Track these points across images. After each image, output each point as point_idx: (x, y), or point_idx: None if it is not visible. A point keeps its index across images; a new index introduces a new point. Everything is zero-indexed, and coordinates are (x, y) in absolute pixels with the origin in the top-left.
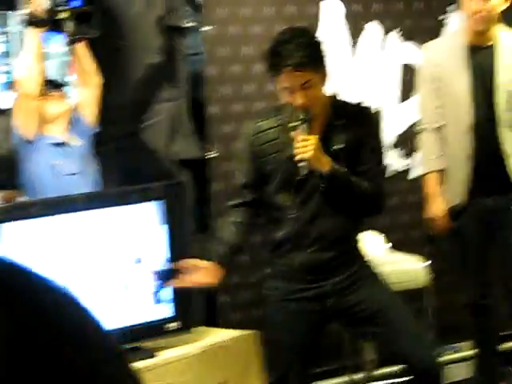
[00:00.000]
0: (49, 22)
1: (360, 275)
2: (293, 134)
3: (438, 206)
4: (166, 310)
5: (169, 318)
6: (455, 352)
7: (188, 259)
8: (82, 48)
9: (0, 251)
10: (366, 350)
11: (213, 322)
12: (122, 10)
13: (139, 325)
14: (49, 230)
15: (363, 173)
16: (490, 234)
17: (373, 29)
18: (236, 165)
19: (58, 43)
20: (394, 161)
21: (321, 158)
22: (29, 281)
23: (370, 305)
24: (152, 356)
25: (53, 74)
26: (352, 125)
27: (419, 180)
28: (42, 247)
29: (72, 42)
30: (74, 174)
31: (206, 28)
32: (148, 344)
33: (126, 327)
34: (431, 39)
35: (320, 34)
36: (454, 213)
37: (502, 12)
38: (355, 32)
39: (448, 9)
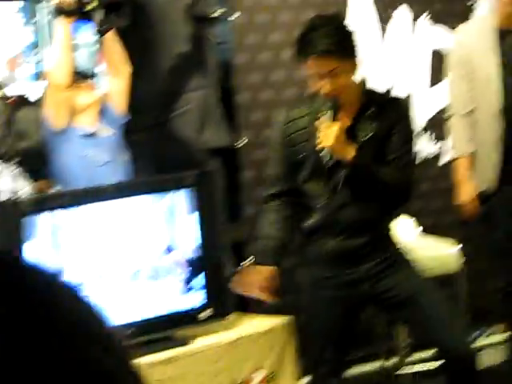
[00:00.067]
0: (78, 12)
1: (392, 261)
2: (317, 122)
3: (467, 190)
4: (199, 298)
5: (201, 306)
6: (488, 337)
7: (249, 267)
8: (111, 38)
9: (35, 242)
10: (398, 335)
11: (246, 308)
12: (151, 0)
13: (171, 313)
14: (80, 220)
15: (393, 162)
16: None
17: (402, 14)
18: (270, 153)
19: (87, 33)
20: (424, 146)
21: (343, 146)
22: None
23: (403, 290)
24: (185, 344)
25: (82, 65)
26: (382, 114)
27: (450, 166)
28: (75, 237)
29: (101, 32)
30: (104, 163)
31: (234, 16)
32: (181, 332)
33: (159, 316)
34: (460, 23)
35: (349, 20)
36: (484, 198)
37: None
38: (384, 17)
39: None
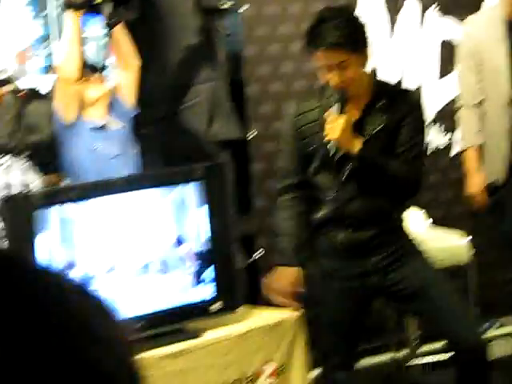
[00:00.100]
0: (87, 6)
1: (403, 253)
2: (325, 114)
3: (476, 181)
4: (209, 291)
5: (211, 299)
6: (497, 328)
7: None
8: (120, 31)
9: (46, 235)
10: (409, 327)
11: (256, 301)
12: None
13: (181, 306)
14: (90, 213)
15: (402, 154)
16: None
17: (411, 5)
18: (281, 146)
19: (96, 26)
20: (433, 137)
21: (350, 139)
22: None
23: (413, 282)
24: (196, 337)
25: (91, 58)
26: (393, 106)
27: (460, 157)
28: (85, 230)
29: (110, 25)
30: (114, 156)
31: (244, 8)
32: (191, 325)
33: (168, 309)
34: (469, 14)
35: (359, 12)
36: (493, 189)
37: None
38: (394, 8)
39: None
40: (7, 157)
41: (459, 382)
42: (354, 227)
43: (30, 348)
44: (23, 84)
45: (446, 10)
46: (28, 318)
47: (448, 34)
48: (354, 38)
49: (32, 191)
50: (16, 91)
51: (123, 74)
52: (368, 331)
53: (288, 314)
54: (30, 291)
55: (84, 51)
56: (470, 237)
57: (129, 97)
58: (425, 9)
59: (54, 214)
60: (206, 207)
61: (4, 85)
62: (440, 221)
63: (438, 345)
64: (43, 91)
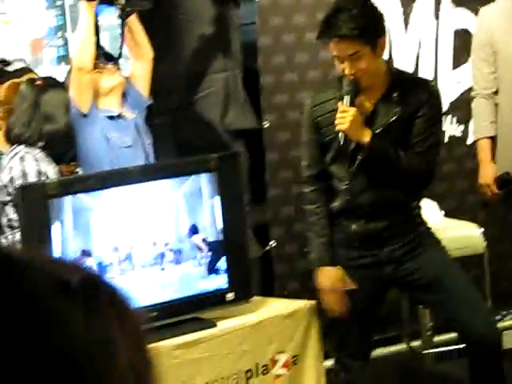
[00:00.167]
0: None
1: (419, 242)
2: (338, 105)
3: (488, 173)
4: (221, 281)
5: (224, 289)
6: (511, 319)
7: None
8: (134, 21)
9: (60, 225)
10: (423, 317)
11: (270, 291)
12: None
13: (195, 296)
14: (104, 203)
15: (416, 144)
16: None
17: None
18: (301, 137)
19: (110, 16)
20: (448, 127)
21: (359, 130)
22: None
23: (428, 272)
24: (210, 326)
25: (106, 47)
26: (408, 96)
27: (474, 147)
28: (99, 220)
29: (124, 15)
30: (128, 146)
31: None
32: (205, 315)
33: (182, 298)
34: (483, 4)
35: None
36: (505, 180)
37: None
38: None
39: None
40: (22, 146)
41: (472, 372)
42: (367, 218)
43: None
44: (37, 73)
45: (459, 1)
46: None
47: (461, 24)
48: (368, 30)
49: (47, 181)
50: (32, 80)
51: (137, 64)
52: (382, 321)
53: (301, 304)
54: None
55: (98, 41)
56: (483, 227)
57: (143, 87)
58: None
59: (69, 204)
60: (219, 197)
61: (21, 74)
62: (454, 211)
63: (452, 335)
64: (59, 80)
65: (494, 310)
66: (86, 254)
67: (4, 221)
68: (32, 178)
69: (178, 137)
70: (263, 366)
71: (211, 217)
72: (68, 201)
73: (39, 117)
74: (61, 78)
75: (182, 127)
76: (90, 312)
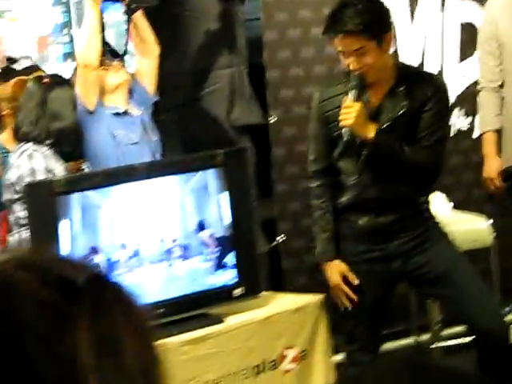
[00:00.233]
0: None
1: (427, 236)
2: (343, 99)
3: (493, 166)
4: (230, 276)
5: (233, 284)
6: None
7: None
8: (139, 17)
9: (68, 222)
10: (432, 310)
11: (279, 286)
12: None
13: (203, 292)
14: (112, 200)
15: (423, 139)
16: None
17: None
18: (309, 131)
19: (116, 13)
20: (454, 120)
21: (364, 125)
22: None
23: (437, 266)
24: (218, 322)
25: (112, 44)
26: (415, 90)
27: (480, 140)
28: (106, 217)
29: (130, 12)
30: (134, 143)
31: None
32: (214, 311)
33: (190, 294)
34: None
35: None
36: (509, 173)
37: None
38: None
39: None
40: (30, 144)
41: (481, 366)
42: (376, 212)
43: None
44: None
45: None
46: None
47: (468, 17)
48: (373, 25)
49: (55, 178)
50: (39, 78)
51: (143, 61)
52: (391, 315)
53: (310, 299)
54: None
55: (104, 38)
56: (491, 220)
57: (149, 83)
58: None
59: (76, 201)
60: (227, 193)
61: (29, 72)
62: (461, 204)
63: (460, 328)
64: (65, 77)
65: (502, 303)
66: (94, 250)
67: (12, 219)
68: (41, 176)
69: (185, 133)
70: (272, 362)
71: (218, 212)
72: (75, 198)
73: (47, 115)
74: (67, 75)
75: (189, 123)
76: (96, 311)
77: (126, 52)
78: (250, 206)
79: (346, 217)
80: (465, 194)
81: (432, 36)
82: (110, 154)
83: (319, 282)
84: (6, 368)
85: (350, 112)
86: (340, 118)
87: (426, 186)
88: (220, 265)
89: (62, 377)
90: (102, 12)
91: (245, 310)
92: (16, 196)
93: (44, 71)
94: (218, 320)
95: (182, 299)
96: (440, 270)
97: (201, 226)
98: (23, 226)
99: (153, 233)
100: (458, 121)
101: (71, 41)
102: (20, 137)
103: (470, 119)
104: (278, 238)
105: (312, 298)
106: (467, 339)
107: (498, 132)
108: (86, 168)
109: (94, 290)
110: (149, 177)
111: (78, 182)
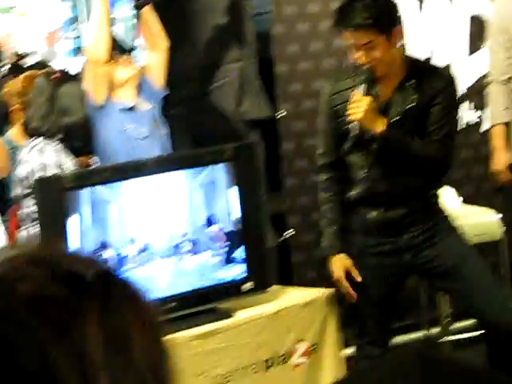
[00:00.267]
0: None
1: (437, 230)
2: (353, 93)
3: (501, 159)
4: (239, 271)
5: (242, 279)
6: None
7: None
8: (148, 11)
9: (78, 217)
10: (441, 304)
11: (288, 280)
12: None
13: (212, 286)
14: (121, 195)
15: (433, 132)
16: None
17: None
18: (317, 125)
19: (124, 8)
20: (464, 113)
21: (373, 120)
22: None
23: (447, 260)
24: (228, 317)
25: (120, 39)
26: (424, 84)
27: (490, 133)
28: (116, 211)
29: (138, 6)
30: (144, 137)
31: None
32: (223, 305)
33: (199, 289)
34: None
35: None
36: None
37: None
38: None
39: None
40: (40, 139)
41: (490, 359)
42: (386, 206)
43: None
44: (54, 66)
45: None
46: None
47: (478, 9)
48: (382, 19)
49: (64, 173)
50: (48, 74)
51: (152, 55)
52: (401, 309)
53: (320, 293)
54: None
55: (113, 32)
56: (501, 214)
57: (158, 78)
58: None
59: (86, 196)
60: (236, 187)
61: (37, 69)
62: (471, 198)
63: (470, 322)
64: (74, 72)
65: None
66: (103, 245)
67: (23, 213)
68: (51, 171)
69: (194, 127)
70: (282, 356)
71: (227, 207)
72: (85, 193)
73: (56, 110)
74: (76, 70)
75: (198, 117)
76: (105, 306)
77: (133, 47)
78: (259, 201)
79: (356, 211)
80: (474, 187)
81: (441, 29)
82: (119, 148)
83: (328, 275)
84: (15, 362)
85: (359, 106)
86: (349, 112)
87: (436, 179)
88: (229, 259)
89: (72, 372)
90: (110, 7)
91: (254, 304)
92: (26, 191)
93: (51, 67)
94: (227, 315)
95: (191, 294)
96: (450, 263)
97: (210, 221)
98: (35, 220)
99: (162, 228)
100: (467, 114)
101: (80, 36)
102: (30, 132)
103: (479, 113)
104: (287, 233)
105: (321, 292)
106: (477, 333)
107: (507, 125)
108: (96, 163)
109: (103, 285)
110: (158, 171)
111: (87, 177)
